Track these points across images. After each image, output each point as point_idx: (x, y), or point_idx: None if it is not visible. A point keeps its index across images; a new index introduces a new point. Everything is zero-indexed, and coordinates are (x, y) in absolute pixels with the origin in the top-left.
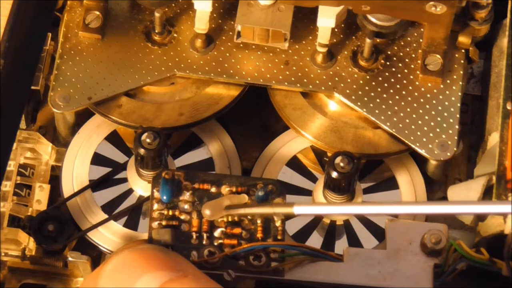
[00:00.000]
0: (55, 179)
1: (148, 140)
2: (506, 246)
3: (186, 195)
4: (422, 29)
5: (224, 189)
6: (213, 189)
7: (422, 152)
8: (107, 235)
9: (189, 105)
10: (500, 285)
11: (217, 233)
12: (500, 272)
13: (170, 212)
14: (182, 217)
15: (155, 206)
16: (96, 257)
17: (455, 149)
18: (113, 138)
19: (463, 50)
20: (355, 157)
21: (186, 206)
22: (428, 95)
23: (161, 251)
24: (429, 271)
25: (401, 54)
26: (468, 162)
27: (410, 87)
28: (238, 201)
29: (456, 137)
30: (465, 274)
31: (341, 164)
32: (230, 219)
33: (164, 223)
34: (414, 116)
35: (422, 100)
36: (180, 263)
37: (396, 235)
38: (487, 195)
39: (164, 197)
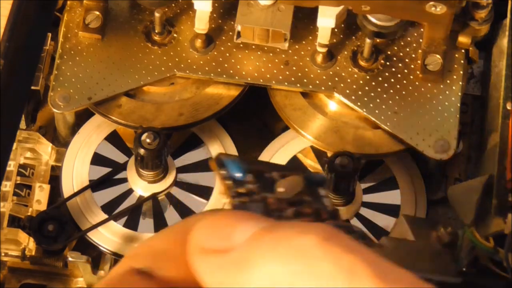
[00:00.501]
0: (55, 179)
1: (148, 140)
2: (506, 245)
3: (249, 176)
4: (422, 29)
5: (276, 175)
6: (267, 174)
7: (422, 152)
8: (107, 235)
9: (189, 105)
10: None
11: (289, 212)
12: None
13: (244, 190)
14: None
15: (229, 183)
16: (96, 257)
17: (455, 149)
18: (113, 138)
19: (463, 50)
20: (355, 157)
21: (253, 186)
22: (428, 95)
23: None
24: (448, 261)
25: (401, 54)
26: (468, 162)
27: (410, 87)
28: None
29: (456, 137)
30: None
31: (341, 164)
32: (294, 199)
33: (244, 200)
34: (414, 116)
35: (422, 100)
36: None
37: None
38: (487, 195)
39: (239, 174)
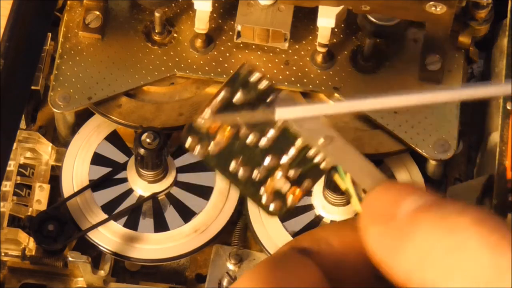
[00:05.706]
0: (55, 179)
1: (148, 140)
2: None
3: None
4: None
5: None
6: None
7: (422, 152)
8: (107, 235)
9: (189, 105)
10: None
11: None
12: None
13: None
14: None
15: None
16: (96, 257)
17: (455, 149)
18: (113, 138)
19: (463, 50)
20: None
21: None
22: None
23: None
24: None
25: (401, 54)
26: (468, 162)
27: (410, 87)
28: None
29: (456, 137)
30: None
31: None
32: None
33: None
34: (414, 116)
35: None
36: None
37: None
38: (487, 195)
39: None
